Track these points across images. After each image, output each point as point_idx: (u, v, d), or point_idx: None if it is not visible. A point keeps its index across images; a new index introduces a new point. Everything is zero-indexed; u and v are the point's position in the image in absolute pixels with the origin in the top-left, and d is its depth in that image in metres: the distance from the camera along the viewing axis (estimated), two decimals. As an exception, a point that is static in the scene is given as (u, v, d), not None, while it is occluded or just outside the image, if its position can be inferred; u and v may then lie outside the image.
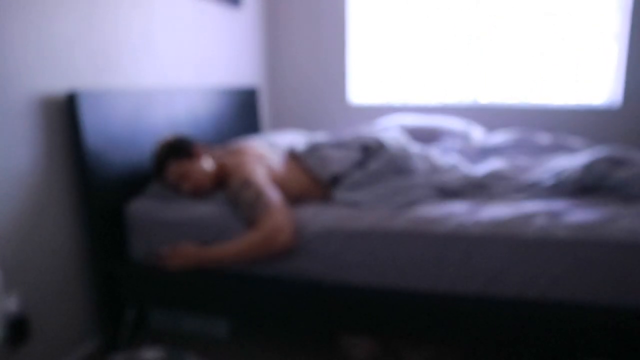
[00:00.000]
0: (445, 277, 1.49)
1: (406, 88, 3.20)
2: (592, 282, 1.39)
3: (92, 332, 1.82)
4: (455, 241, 1.47)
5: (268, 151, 2.00)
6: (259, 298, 1.63)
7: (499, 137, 2.28)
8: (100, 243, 1.71)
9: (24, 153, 1.51)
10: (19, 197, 1.51)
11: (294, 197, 1.74)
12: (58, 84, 1.62)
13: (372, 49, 3.21)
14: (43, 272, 1.60)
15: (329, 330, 1.80)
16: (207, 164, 1.80)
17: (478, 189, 1.77)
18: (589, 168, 1.67)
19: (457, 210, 1.57)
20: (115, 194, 1.76)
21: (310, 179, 1.82)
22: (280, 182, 1.74)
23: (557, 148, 2.15)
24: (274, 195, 1.61)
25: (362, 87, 3.28)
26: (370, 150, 1.81)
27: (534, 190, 1.73)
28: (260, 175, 1.70)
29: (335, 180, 1.77)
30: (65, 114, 1.64)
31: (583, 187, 1.68)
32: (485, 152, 2.19)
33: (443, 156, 2.05)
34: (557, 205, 1.56)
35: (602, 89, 2.88)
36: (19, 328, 1.49)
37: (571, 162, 1.79)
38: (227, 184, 1.74)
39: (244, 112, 2.78)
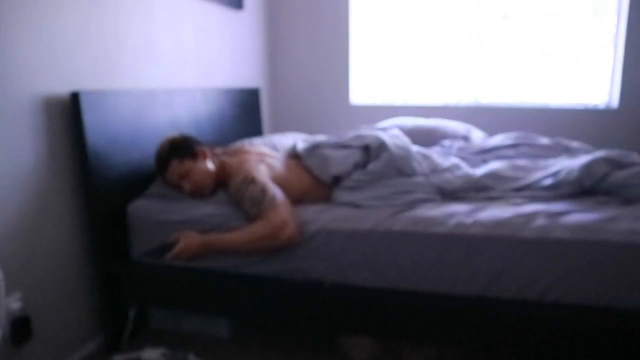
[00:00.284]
0: (445, 277, 1.49)
1: (407, 89, 3.20)
2: (592, 283, 1.39)
3: (93, 331, 1.83)
4: (456, 241, 1.47)
5: (269, 151, 2.00)
6: (260, 298, 1.64)
7: (499, 139, 2.27)
8: (102, 243, 1.72)
9: (26, 153, 1.52)
10: (21, 197, 1.52)
11: (296, 197, 1.73)
12: (60, 84, 1.62)
13: (373, 50, 3.21)
14: (45, 272, 1.61)
15: (329, 330, 1.80)
16: (209, 164, 1.80)
17: (478, 189, 1.78)
18: (587, 169, 1.68)
19: (457, 211, 1.57)
20: (117, 194, 1.77)
21: (312, 178, 1.82)
22: (281, 182, 1.73)
23: (557, 150, 2.15)
24: (277, 191, 1.62)
25: (363, 88, 3.29)
26: (371, 150, 1.81)
27: (533, 191, 1.73)
28: (263, 173, 1.70)
29: (336, 181, 1.77)
30: (67, 115, 1.65)
31: (582, 188, 1.68)
32: (485, 154, 2.19)
33: (443, 157, 2.05)
34: (557, 205, 1.57)
35: (600, 89, 2.89)
36: (20, 327, 1.50)
37: (570, 163, 1.79)
38: (228, 183, 1.74)
39: (245, 113, 2.78)
